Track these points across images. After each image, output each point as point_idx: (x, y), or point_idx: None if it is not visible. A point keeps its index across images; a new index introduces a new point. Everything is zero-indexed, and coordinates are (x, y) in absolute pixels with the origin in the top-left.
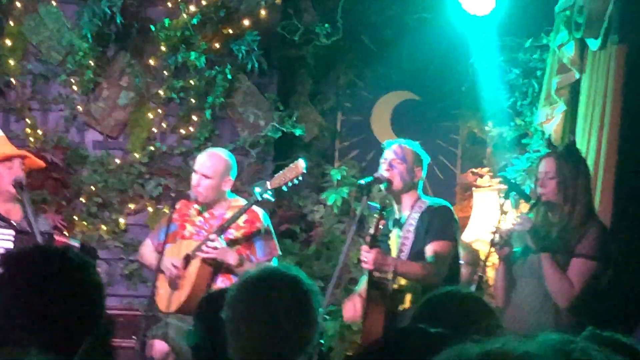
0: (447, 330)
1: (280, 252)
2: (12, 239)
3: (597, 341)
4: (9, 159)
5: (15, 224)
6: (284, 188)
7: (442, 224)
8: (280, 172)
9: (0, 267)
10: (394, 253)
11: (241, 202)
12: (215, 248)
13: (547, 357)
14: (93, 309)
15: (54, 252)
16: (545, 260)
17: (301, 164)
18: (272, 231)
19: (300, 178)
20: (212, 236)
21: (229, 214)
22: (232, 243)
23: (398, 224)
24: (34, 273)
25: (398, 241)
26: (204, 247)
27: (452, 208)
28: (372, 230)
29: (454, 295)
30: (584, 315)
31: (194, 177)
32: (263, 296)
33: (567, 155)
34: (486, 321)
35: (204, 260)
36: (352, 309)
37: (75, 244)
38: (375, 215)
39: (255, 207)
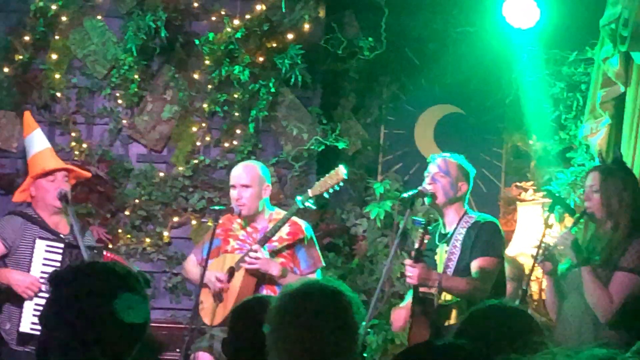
0: (467, 343)
1: (324, 264)
2: (61, 251)
3: None
4: (51, 172)
5: (63, 237)
6: (326, 195)
7: (488, 239)
8: (321, 179)
9: (49, 285)
10: (440, 268)
11: (283, 214)
12: (258, 259)
13: None
14: (138, 324)
15: (99, 268)
16: (585, 273)
17: (342, 170)
18: (316, 242)
19: (341, 184)
20: (255, 247)
21: (271, 227)
22: (275, 255)
23: (445, 238)
24: (79, 290)
25: (444, 256)
26: (247, 258)
27: (499, 224)
28: (417, 245)
29: (498, 309)
30: (626, 329)
31: (233, 193)
32: (303, 309)
33: (613, 170)
34: (531, 335)
35: (247, 272)
36: (399, 317)
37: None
38: (420, 230)
39: (298, 219)
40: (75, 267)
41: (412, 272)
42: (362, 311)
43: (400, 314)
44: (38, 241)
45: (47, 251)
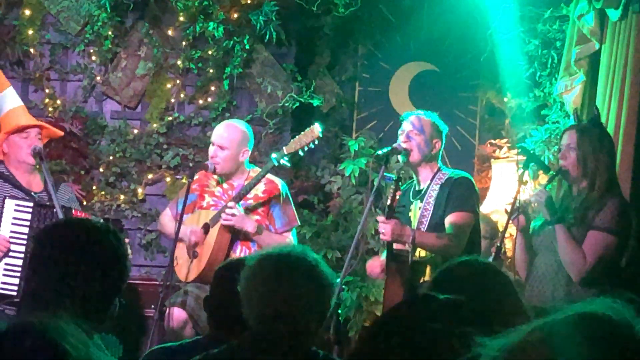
0: (460, 297)
1: (299, 222)
2: (30, 211)
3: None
4: (24, 129)
5: (34, 194)
6: (301, 152)
7: (462, 195)
8: (296, 137)
9: (33, 242)
10: (414, 224)
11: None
12: (233, 215)
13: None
14: (117, 272)
15: (78, 223)
16: (559, 231)
17: (317, 128)
18: (291, 201)
19: (316, 142)
20: (231, 204)
21: (246, 184)
22: (250, 212)
23: (419, 195)
24: (61, 244)
25: (418, 213)
26: (222, 215)
27: (472, 179)
28: (388, 202)
29: (471, 265)
30: (597, 287)
31: (211, 149)
32: (272, 277)
33: (590, 129)
34: (502, 291)
35: (222, 229)
36: (376, 265)
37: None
38: (391, 186)
39: (274, 177)
40: (54, 224)
41: (385, 228)
42: (327, 273)
43: (375, 264)
44: (7, 200)
45: (16, 210)
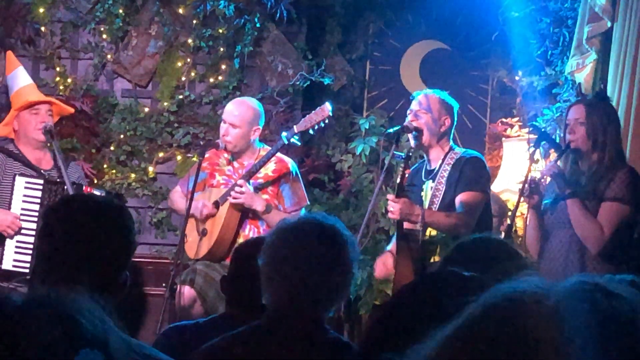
0: (478, 274)
1: (308, 202)
2: (41, 188)
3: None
4: (34, 105)
5: (44, 172)
6: (311, 131)
7: (473, 174)
8: (307, 115)
9: (42, 219)
10: (426, 204)
11: None
12: (242, 193)
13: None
14: (122, 245)
15: (81, 199)
16: (574, 205)
17: (327, 107)
18: (301, 180)
19: (326, 121)
20: (240, 181)
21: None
22: (259, 191)
23: (430, 175)
24: (64, 221)
25: (430, 193)
26: (232, 193)
27: (483, 159)
28: (398, 180)
29: (483, 241)
30: (615, 261)
31: (223, 127)
32: (298, 243)
33: (597, 103)
34: (513, 265)
35: (231, 207)
36: (383, 266)
37: (100, 192)
38: (401, 164)
39: (284, 157)
40: (59, 201)
41: (394, 207)
42: (357, 249)
43: (381, 263)
44: (18, 178)
45: (26, 188)
